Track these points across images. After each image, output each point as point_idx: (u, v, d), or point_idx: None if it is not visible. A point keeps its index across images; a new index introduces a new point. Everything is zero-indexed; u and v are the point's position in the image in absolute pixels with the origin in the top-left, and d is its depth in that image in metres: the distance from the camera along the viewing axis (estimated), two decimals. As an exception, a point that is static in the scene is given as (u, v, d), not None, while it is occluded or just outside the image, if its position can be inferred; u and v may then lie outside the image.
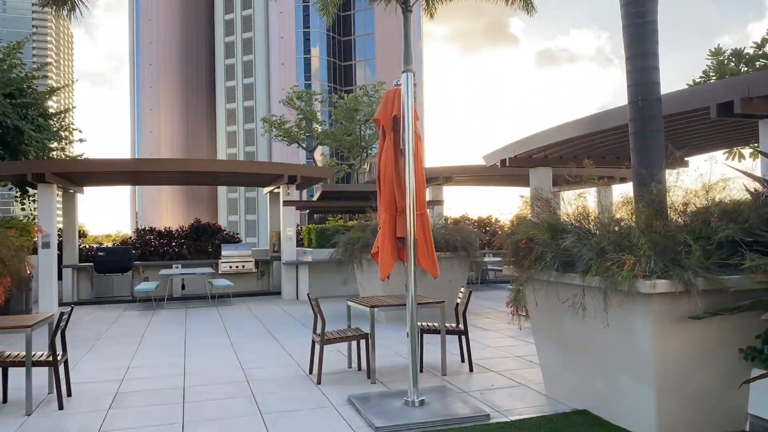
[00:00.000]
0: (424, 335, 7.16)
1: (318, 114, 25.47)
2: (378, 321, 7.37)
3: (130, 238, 19.13)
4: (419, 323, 7.35)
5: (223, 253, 16.68)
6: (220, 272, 16.40)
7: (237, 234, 19.19)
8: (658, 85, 5.84)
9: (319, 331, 6.85)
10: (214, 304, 14.74)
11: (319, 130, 25.56)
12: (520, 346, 8.44)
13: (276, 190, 18.08)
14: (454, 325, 7.24)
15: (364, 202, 14.71)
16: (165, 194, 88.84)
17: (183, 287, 16.34)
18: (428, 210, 17.63)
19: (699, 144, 11.98)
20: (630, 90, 5.87)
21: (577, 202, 5.50)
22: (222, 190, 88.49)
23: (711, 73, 12.57)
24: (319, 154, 74.89)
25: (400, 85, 5.61)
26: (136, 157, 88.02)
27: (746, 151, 12.12)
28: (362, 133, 23.03)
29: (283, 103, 27.24)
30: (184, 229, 17.87)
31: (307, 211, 19.58)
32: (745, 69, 11.89)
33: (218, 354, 8.51)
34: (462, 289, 7.27)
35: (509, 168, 13.50)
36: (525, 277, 5.34)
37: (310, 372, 6.97)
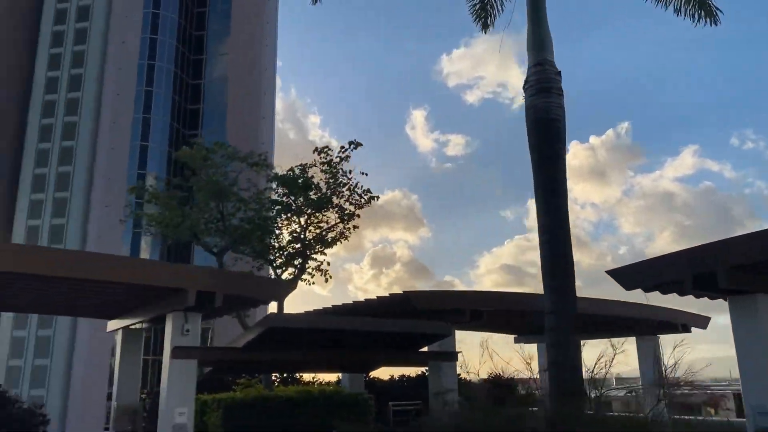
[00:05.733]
0: None
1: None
2: None
3: None
4: None
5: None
6: None
7: (42, 409, 9.78)
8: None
9: None
10: None
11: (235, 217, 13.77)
12: None
13: (135, 325, 9.54)
14: None
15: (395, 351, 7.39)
16: None
17: None
18: (431, 369, 9.85)
19: None
20: None
21: None
22: (6, 323, 64.92)
23: None
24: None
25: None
26: None
27: None
28: (305, 227, 12.78)
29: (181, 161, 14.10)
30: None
31: (207, 369, 10.24)
32: None
33: None
34: None
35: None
36: None
37: None
